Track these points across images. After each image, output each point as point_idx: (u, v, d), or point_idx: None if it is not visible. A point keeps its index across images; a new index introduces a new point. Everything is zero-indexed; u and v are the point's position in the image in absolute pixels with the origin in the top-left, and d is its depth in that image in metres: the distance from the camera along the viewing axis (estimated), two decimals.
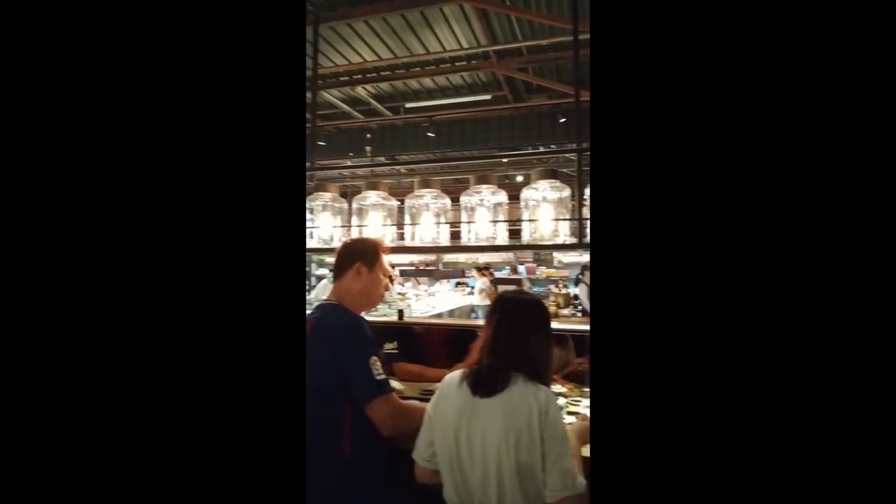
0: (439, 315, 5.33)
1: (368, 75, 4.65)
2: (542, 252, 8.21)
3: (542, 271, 8.72)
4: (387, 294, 2.14)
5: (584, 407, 1.65)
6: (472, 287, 7.25)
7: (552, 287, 6.05)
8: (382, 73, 4.62)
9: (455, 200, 1.94)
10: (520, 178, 6.90)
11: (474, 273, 7.49)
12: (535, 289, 7.63)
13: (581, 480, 0.95)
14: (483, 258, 8.42)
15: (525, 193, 1.80)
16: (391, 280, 1.40)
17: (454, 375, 1.07)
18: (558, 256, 8.47)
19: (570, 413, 1.56)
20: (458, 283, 8.20)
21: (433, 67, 4.53)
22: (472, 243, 1.83)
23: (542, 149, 5.16)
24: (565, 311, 4.28)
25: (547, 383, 1.01)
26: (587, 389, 1.82)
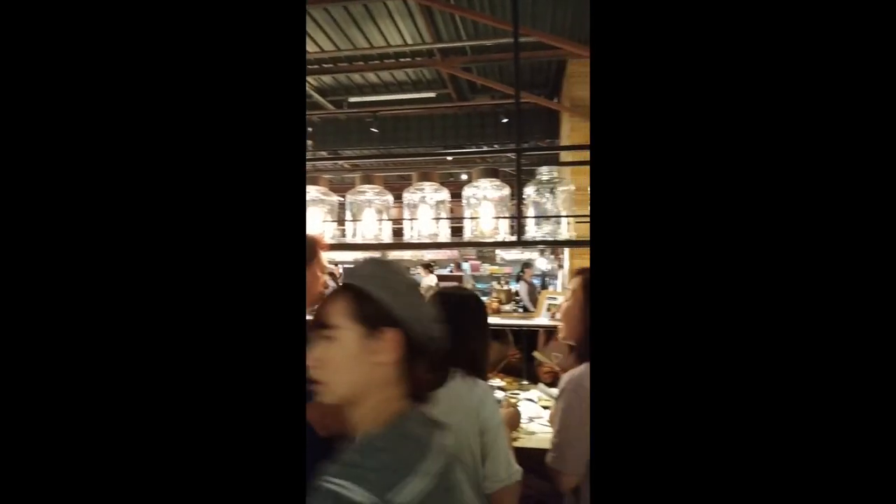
0: None
1: (310, 67, 4.51)
2: (485, 250, 8.36)
3: (486, 269, 8.89)
4: (326, 292, 2.08)
5: (522, 398, 1.70)
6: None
7: (494, 284, 6.19)
8: (325, 66, 4.50)
9: (398, 197, 1.93)
10: (464, 177, 6.98)
11: (420, 271, 7.50)
12: (478, 286, 7.75)
13: (517, 468, 0.98)
14: (429, 255, 8.44)
15: (467, 191, 1.82)
16: (333, 277, 1.38)
17: None
18: (501, 254, 8.67)
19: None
20: None
21: (377, 62, 4.47)
22: (415, 240, 1.82)
23: (485, 148, 5.25)
24: (507, 307, 4.40)
25: (484, 377, 1.04)
26: (525, 382, 1.88)
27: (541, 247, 4.78)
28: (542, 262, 7.45)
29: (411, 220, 1.82)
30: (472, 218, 1.80)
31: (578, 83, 4.08)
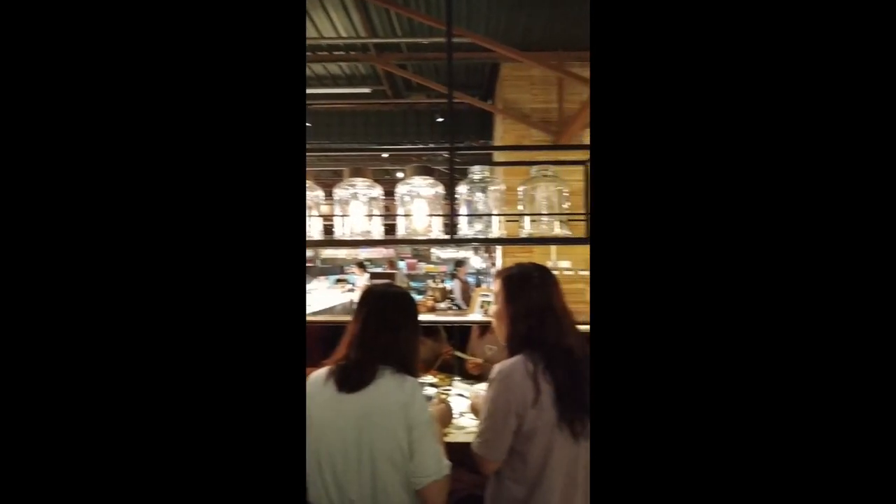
0: (317, 313, 5.13)
1: None
2: (420, 248, 8.37)
3: (423, 267, 8.90)
4: None
5: (453, 394, 1.73)
6: (353, 284, 7.13)
7: (430, 282, 6.22)
8: None
9: (330, 194, 1.88)
10: (400, 175, 6.93)
11: (355, 270, 7.36)
12: (414, 284, 7.76)
13: (447, 463, 0.99)
14: (364, 254, 8.30)
15: (400, 189, 1.81)
16: None
17: (319, 373, 1.04)
18: (436, 252, 8.72)
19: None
20: (338, 280, 7.98)
21: (309, 54, 4.32)
22: (347, 237, 1.79)
23: (420, 146, 5.25)
24: (442, 305, 4.44)
25: (414, 374, 1.04)
26: (457, 378, 1.91)
27: (475, 245, 4.85)
28: (476, 260, 7.59)
29: (343, 216, 1.78)
30: (405, 215, 1.79)
31: (511, 86, 4.20)
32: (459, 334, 2.23)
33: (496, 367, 1.08)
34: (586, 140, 4.04)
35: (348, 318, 1.10)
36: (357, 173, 1.84)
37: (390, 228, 1.94)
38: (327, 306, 5.64)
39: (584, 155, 1.49)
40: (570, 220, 1.43)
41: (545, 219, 1.44)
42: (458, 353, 1.87)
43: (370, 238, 1.79)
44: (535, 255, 3.73)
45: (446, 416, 1.28)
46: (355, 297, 6.55)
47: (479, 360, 1.77)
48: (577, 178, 1.48)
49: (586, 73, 3.43)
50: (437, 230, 1.80)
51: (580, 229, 1.47)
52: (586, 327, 2.51)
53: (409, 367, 1.03)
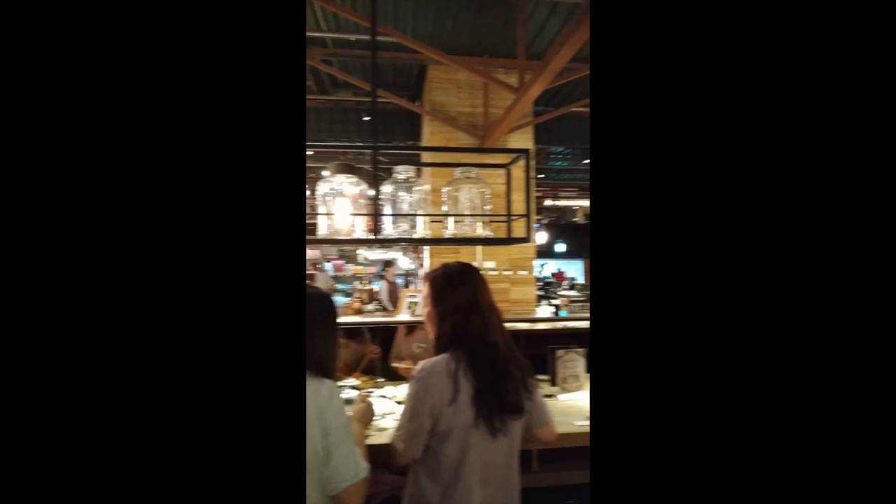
0: None
1: None
2: (346, 249, 8.19)
3: (350, 268, 8.72)
4: None
5: (376, 395, 1.70)
6: None
7: (357, 284, 6.11)
8: None
9: None
10: (326, 173, 6.73)
11: None
12: (340, 286, 7.57)
13: (364, 466, 0.97)
14: None
15: (322, 187, 1.75)
16: None
17: None
18: (364, 253, 8.58)
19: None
20: None
21: None
22: None
23: (346, 143, 5.14)
24: (369, 307, 4.38)
25: (332, 377, 1.01)
26: (381, 379, 1.89)
27: (403, 246, 4.83)
28: (404, 262, 7.57)
29: None
30: (327, 214, 1.74)
31: (438, 89, 4.24)
32: (384, 335, 2.21)
33: (419, 365, 1.09)
34: (510, 144, 4.16)
35: None
36: None
37: (312, 228, 1.87)
38: None
39: (507, 158, 1.54)
40: (491, 222, 1.47)
41: (468, 220, 1.47)
42: (394, 364, 1.86)
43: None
44: (461, 255, 3.79)
45: (367, 415, 1.26)
46: None
47: (411, 367, 1.77)
48: (499, 181, 1.53)
49: (510, 79, 3.55)
50: (360, 230, 1.77)
51: (502, 230, 1.51)
52: (512, 325, 2.59)
53: (326, 369, 1.00)
